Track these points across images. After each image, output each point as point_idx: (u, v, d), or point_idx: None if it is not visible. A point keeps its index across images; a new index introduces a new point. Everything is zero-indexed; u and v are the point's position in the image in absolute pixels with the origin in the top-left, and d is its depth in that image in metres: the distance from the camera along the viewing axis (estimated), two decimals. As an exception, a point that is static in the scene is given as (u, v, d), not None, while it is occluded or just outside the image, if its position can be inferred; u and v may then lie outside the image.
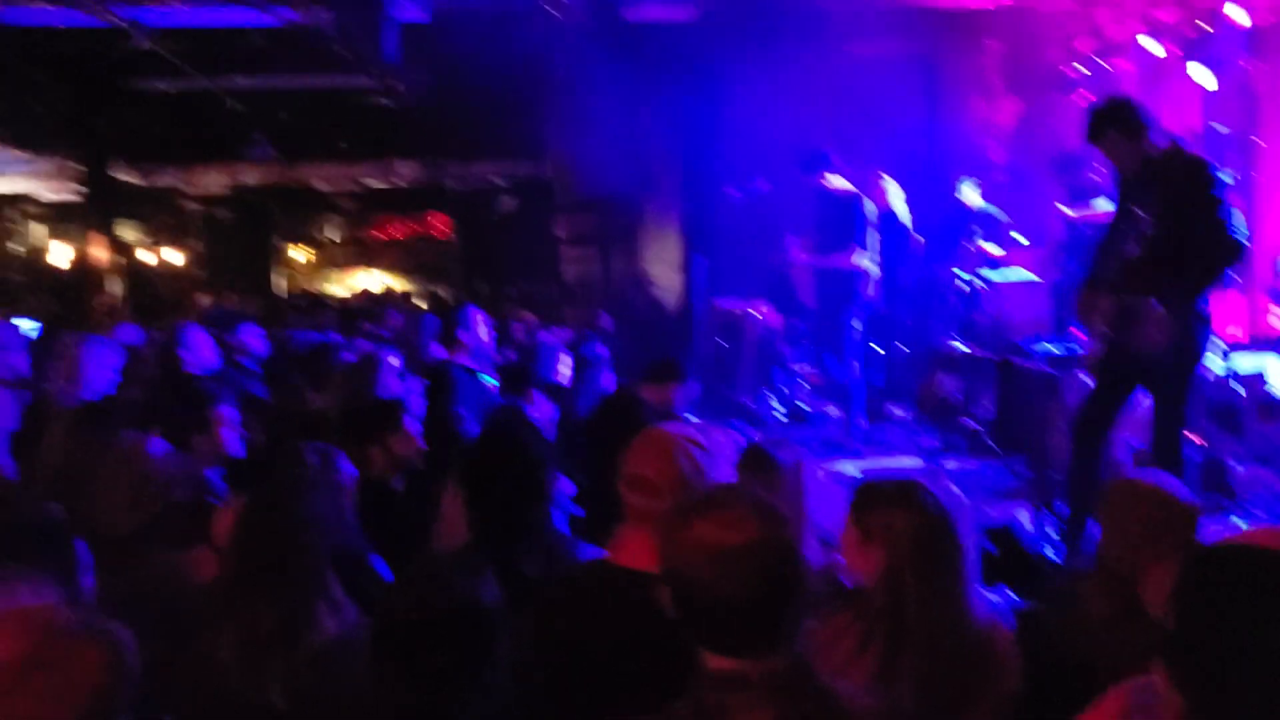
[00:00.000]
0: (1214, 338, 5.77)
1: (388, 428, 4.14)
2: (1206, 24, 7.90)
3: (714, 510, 1.83)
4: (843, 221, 7.60)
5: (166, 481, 3.30)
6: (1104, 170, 7.78)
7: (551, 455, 3.20)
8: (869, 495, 2.54)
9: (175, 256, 24.58)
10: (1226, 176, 4.88)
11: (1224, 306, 6.54)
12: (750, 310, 9.69)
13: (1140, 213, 4.67)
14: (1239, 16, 7.43)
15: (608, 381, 6.44)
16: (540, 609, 2.51)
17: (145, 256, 24.37)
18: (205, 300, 15.17)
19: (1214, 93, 8.04)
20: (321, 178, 22.10)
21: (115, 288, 16.35)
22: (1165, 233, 4.64)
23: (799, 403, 9.10)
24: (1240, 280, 6.31)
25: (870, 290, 7.75)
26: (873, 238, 7.71)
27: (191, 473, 3.54)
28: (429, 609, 2.07)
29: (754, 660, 1.78)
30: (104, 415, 4.57)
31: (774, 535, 1.81)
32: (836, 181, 7.71)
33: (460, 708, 2.05)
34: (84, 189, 17.22)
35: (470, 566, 2.25)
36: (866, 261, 7.65)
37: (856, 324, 7.76)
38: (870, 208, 7.72)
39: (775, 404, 8.92)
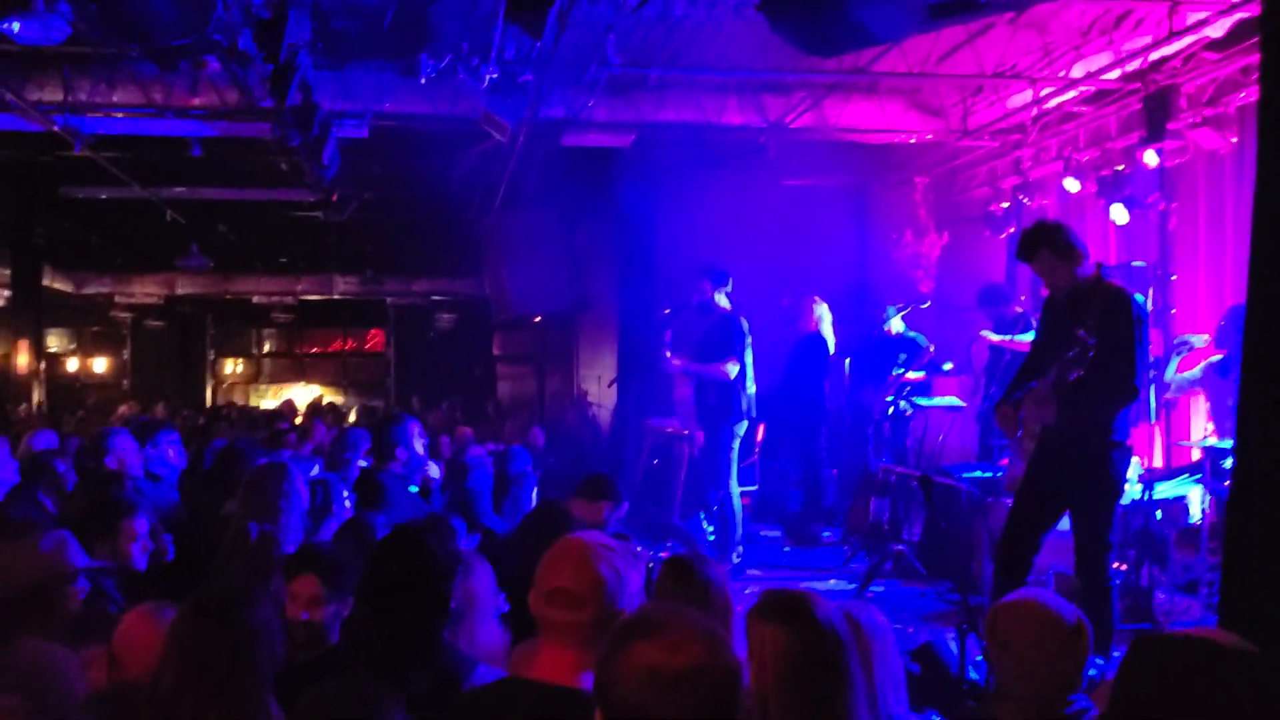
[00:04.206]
0: (1135, 464, 5.90)
1: None
2: (1122, 165, 8.28)
3: (655, 631, 1.71)
4: (722, 336, 7.80)
5: (63, 575, 3.17)
6: (1027, 302, 8.04)
7: (459, 569, 3.07)
8: (758, 605, 2.31)
9: (102, 365, 24.20)
10: (1145, 305, 5.03)
11: (1144, 434, 6.69)
12: (683, 430, 9.69)
13: (1081, 333, 4.76)
14: (1151, 159, 7.82)
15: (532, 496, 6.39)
16: None
17: (71, 364, 23.96)
18: (126, 409, 14.86)
19: (1129, 229, 8.38)
20: (258, 290, 22.02)
21: (37, 394, 15.98)
22: (1095, 353, 4.75)
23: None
24: (1160, 408, 6.46)
25: (745, 405, 7.84)
26: (749, 355, 7.86)
27: (91, 573, 3.42)
28: None
29: None
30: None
31: (719, 660, 1.70)
32: (721, 300, 7.92)
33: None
34: (10, 294, 16.98)
35: (370, 699, 2.16)
36: (736, 372, 7.73)
37: (737, 436, 7.83)
38: (746, 326, 7.90)
39: (706, 524, 8.87)
